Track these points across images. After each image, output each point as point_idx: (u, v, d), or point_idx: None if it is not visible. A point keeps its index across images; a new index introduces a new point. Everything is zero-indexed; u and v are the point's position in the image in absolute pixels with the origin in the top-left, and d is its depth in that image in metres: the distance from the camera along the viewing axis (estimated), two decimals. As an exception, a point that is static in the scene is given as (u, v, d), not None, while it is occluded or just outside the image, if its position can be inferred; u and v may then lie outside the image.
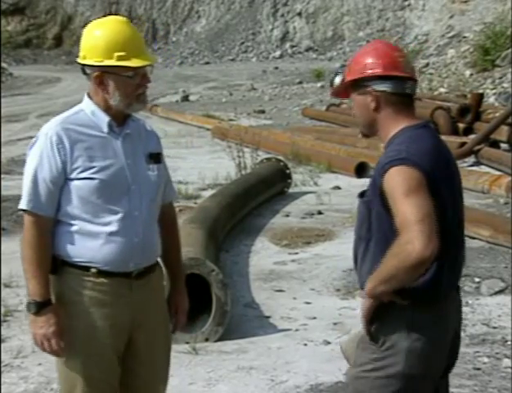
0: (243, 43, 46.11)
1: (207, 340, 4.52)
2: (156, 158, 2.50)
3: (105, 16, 2.56)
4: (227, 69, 39.17)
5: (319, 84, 27.00)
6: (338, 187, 9.41)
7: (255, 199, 8.17)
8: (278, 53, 44.46)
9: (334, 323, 4.77)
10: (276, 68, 36.94)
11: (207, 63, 44.42)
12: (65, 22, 50.78)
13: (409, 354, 2.16)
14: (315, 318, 4.88)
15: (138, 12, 50.32)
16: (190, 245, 5.23)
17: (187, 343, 4.44)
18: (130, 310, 2.44)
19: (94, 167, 2.40)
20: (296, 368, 4.07)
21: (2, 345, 4.36)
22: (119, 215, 2.39)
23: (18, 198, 9.39)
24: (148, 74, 2.45)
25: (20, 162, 11.96)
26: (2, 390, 3.78)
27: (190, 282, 4.64)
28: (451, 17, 28.51)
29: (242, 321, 4.85)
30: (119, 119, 2.44)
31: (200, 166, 10.88)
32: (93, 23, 2.44)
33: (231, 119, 17.77)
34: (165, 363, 2.57)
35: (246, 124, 16.03)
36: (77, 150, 2.40)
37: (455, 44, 24.93)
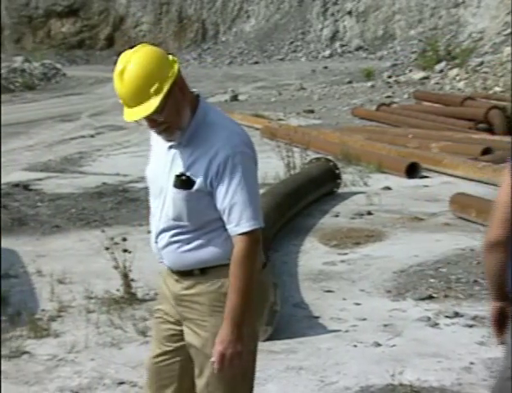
0: (292, 43, 46.02)
1: (256, 339, 4.51)
2: (178, 180, 2.39)
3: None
4: (276, 68, 39.14)
5: (369, 84, 26.75)
6: (388, 188, 9.30)
7: (304, 199, 8.13)
8: (327, 52, 44.24)
9: (385, 325, 4.71)
10: (326, 67, 36.75)
11: (256, 63, 44.48)
12: (117, 23, 51.54)
13: (507, 354, 2.24)
14: (365, 319, 4.83)
15: (188, 12, 50.73)
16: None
17: (236, 342, 4.44)
18: (171, 301, 2.57)
19: (150, 162, 2.58)
20: (346, 369, 4.03)
21: (57, 339, 4.46)
22: (151, 212, 2.59)
23: (71, 196, 9.60)
24: (156, 119, 2.36)
25: (72, 161, 12.19)
26: (58, 384, 3.87)
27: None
28: (508, 14, 27.87)
29: (291, 321, 4.83)
30: None
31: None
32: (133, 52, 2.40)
33: (280, 119, 17.75)
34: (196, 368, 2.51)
35: (295, 124, 15.99)
36: (152, 142, 2.59)
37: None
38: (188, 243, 2.45)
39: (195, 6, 50.74)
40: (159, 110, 2.32)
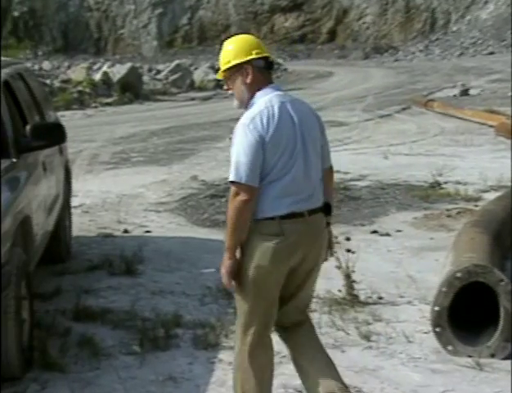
0: (539, 29, 42.58)
1: (493, 356, 4.11)
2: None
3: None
4: (515, 59, 36.60)
5: None
6: None
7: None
8: None
9: None
10: None
11: (491, 53, 41.85)
12: (341, 16, 51.72)
13: None
14: None
15: (417, 2, 49.27)
16: (474, 250, 4.80)
17: (470, 356, 4.08)
18: None
19: None
20: None
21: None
22: None
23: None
24: (227, 84, 3.23)
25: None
26: (282, 381, 3.88)
27: (474, 291, 4.25)
28: None
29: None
30: None
31: (481, 166, 10.10)
32: None
33: (518, 115, 16.47)
34: None
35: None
36: None
37: None
38: None
39: (424, -6, 49.05)
40: (223, 77, 3.20)
